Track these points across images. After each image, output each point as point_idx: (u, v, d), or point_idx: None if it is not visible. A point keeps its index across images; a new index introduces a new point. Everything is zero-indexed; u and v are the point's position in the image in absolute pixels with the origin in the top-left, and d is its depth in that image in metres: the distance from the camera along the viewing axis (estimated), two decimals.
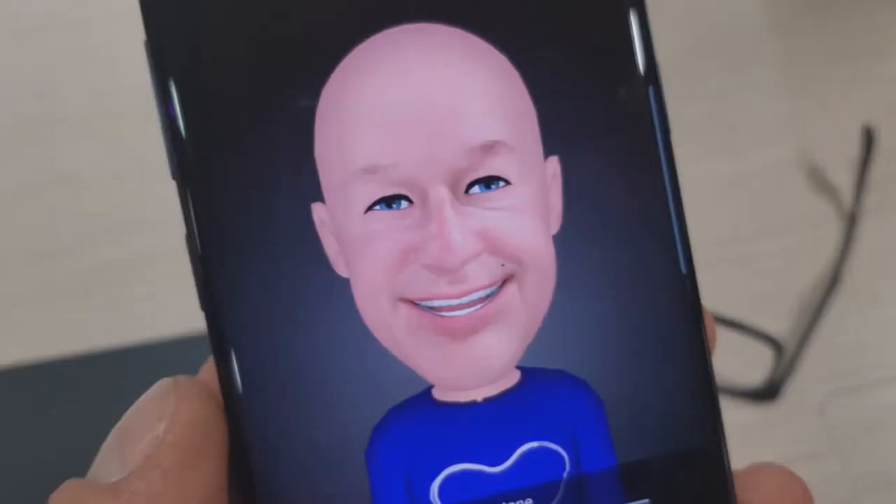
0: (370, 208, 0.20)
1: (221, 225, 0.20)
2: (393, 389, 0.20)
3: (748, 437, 0.39)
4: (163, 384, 0.19)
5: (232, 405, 0.20)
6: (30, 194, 0.50)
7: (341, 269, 0.20)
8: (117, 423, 0.19)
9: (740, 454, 0.22)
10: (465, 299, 0.20)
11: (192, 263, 0.20)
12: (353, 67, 0.20)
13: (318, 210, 0.20)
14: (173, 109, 0.20)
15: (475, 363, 0.20)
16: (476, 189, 0.20)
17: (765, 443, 0.40)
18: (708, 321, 0.21)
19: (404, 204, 0.20)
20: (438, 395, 0.20)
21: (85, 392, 0.42)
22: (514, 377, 0.20)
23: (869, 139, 0.47)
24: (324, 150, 0.20)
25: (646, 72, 0.20)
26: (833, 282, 0.43)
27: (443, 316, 0.20)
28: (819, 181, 0.48)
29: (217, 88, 0.20)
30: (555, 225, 0.20)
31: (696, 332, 0.20)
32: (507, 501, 0.20)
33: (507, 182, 0.20)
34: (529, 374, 0.20)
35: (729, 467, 0.20)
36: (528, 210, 0.20)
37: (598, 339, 0.20)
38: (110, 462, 0.19)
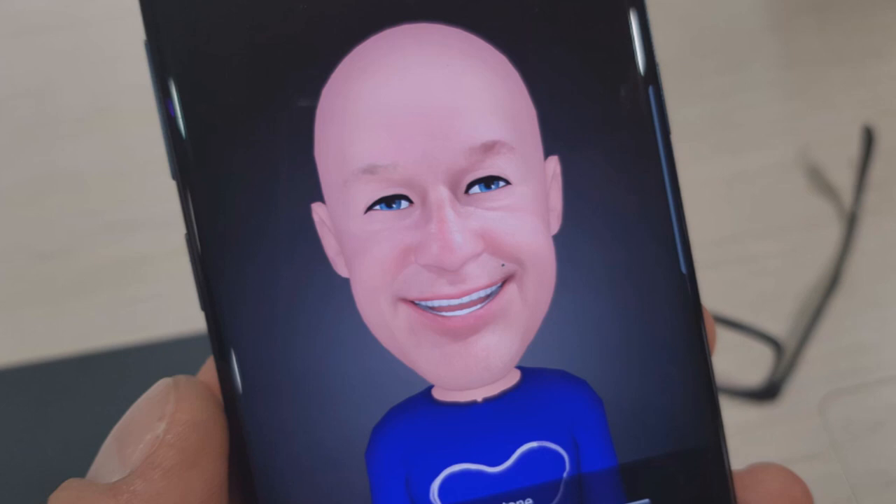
0: (370, 208, 0.20)
1: (221, 225, 0.20)
2: (393, 389, 0.20)
3: (748, 437, 0.39)
4: (162, 384, 0.19)
5: (232, 405, 0.20)
6: (30, 194, 0.50)
7: (341, 270, 0.20)
8: (117, 423, 0.19)
9: (740, 454, 0.22)
10: (465, 299, 0.20)
11: (192, 263, 0.20)
12: (353, 67, 0.20)
13: (317, 210, 0.20)
14: (173, 109, 0.20)
15: (475, 363, 0.20)
16: (476, 189, 0.20)
17: (765, 443, 0.40)
18: (708, 321, 0.21)
19: (404, 204, 0.20)
20: (438, 395, 0.20)
21: (85, 392, 0.42)
22: (514, 377, 0.20)
23: (869, 139, 0.47)
24: (324, 151, 0.20)
25: (646, 72, 0.20)
26: (833, 282, 0.43)
27: (443, 316, 0.20)
28: (819, 181, 0.48)
29: (217, 88, 0.20)
30: (555, 225, 0.20)
31: (696, 332, 0.20)
32: (507, 501, 0.20)
33: (508, 182, 0.20)
34: (529, 374, 0.20)
35: (729, 467, 0.20)
36: (529, 210, 0.20)
37: (598, 340, 0.20)
38: (110, 462, 0.19)
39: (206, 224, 0.20)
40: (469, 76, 0.20)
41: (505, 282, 0.20)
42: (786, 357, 0.41)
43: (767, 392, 0.40)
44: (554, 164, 0.20)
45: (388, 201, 0.20)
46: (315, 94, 0.20)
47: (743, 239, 0.46)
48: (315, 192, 0.20)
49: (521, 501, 0.20)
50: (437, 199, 0.19)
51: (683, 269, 0.20)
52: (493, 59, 0.20)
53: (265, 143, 0.20)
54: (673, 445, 0.20)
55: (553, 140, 0.20)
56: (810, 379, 0.41)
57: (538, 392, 0.20)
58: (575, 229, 0.20)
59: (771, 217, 0.47)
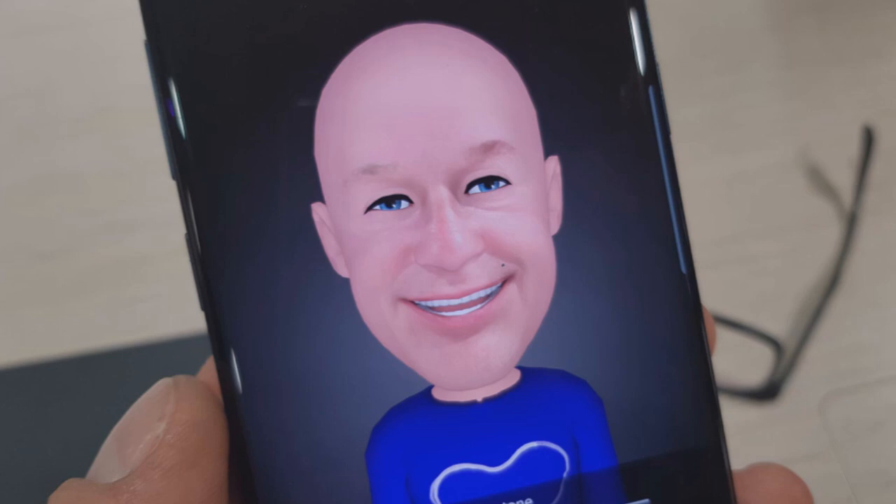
0: (370, 208, 0.20)
1: (221, 225, 0.20)
2: (393, 389, 0.20)
3: (748, 437, 0.39)
4: (162, 384, 0.19)
5: (232, 405, 0.20)
6: (30, 194, 0.50)
7: (341, 269, 0.20)
8: (117, 423, 0.19)
9: (740, 454, 0.22)
10: (465, 299, 0.20)
11: (192, 263, 0.20)
12: (353, 67, 0.20)
13: (317, 210, 0.20)
14: (173, 109, 0.20)
15: (475, 363, 0.20)
16: (476, 189, 0.20)
17: (765, 443, 0.40)
18: (708, 321, 0.21)
19: (404, 204, 0.20)
20: (438, 395, 0.20)
21: (85, 392, 0.42)
22: (514, 377, 0.20)
23: (869, 139, 0.47)
24: (324, 150, 0.20)
25: (646, 72, 0.20)
26: (833, 282, 0.43)
27: (443, 316, 0.20)
28: (819, 181, 0.48)
29: (217, 88, 0.20)
30: (555, 225, 0.20)
31: (696, 332, 0.20)
32: (506, 501, 0.20)
33: (508, 182, 0.20)
34: (529, 374, 0.20)
35: (729, 467, 0.20)
36: (529, 210, 0.20)
37: (599, 340, 0.20)
38: (110, 462, 0.19)
39: (207, 224, 0.20)
40: (469, 76, 0.20)
41: (505, 282, 0.20)
42: (786, 357, 0.41)
43: (767, 392, 0.40)
44: (554, 164, 0.20)
45: (388, 201, 0.20)
46: (315, 94, 0.20)
47: (743, 239, 0.46)
48: (315, 192, 0.20)
49: (521, 501, 0.20)
50: (437, 199, 0.19)
51: (683, 269, 0.20)
52: (493, 59, 0.20)
53: (265, 143, 0.20)
54: (673, 445, 0.20)
55: (553, 140, 0.20)
56: (810, 379, 0.41)
57: (538, 392, 0.20)
58: (575, 229, 0.20)
59: (771, 217, 0.47)
